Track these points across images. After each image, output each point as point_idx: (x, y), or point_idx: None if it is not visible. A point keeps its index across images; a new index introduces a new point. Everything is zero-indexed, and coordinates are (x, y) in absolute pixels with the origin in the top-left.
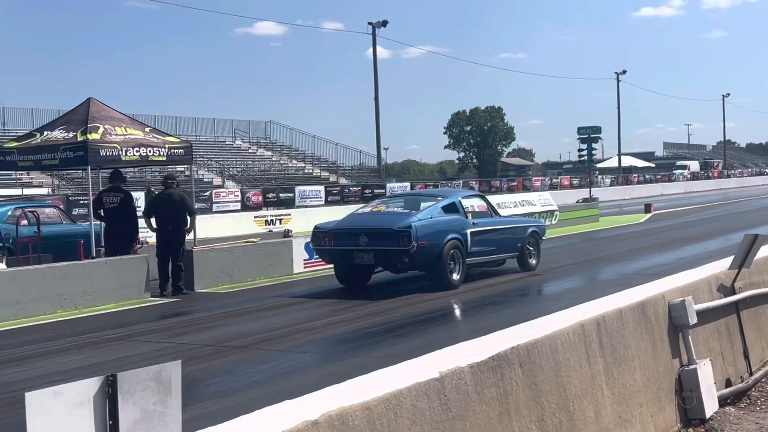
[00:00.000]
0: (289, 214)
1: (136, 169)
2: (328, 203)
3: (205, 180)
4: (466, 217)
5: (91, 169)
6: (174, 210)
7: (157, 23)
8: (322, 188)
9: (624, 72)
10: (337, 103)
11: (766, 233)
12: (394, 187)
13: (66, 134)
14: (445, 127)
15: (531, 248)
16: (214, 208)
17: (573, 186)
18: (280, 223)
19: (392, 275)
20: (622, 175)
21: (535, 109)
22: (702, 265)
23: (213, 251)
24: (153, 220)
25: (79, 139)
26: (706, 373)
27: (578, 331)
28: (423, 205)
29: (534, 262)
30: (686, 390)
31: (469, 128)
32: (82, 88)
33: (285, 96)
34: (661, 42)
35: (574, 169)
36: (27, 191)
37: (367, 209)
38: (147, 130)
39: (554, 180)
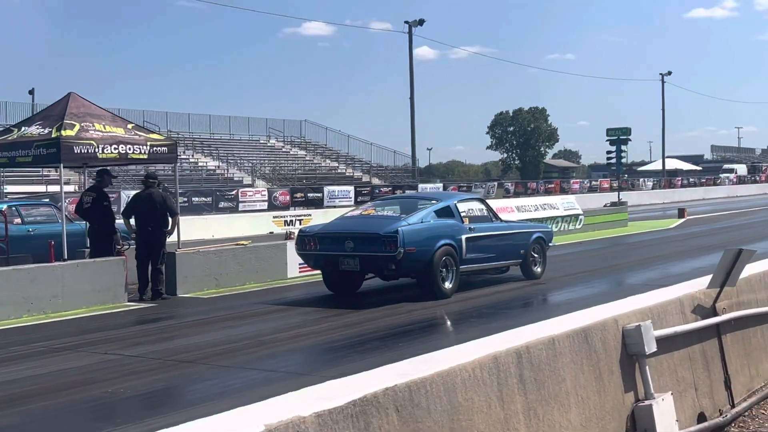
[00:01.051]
0: (310, 215)
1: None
2: (358, 203)
3: (235, 179)
4: (462, 222)
5: (77, 168)
6: (154, 211)
7: (208, 23)
8: (351, 188)
9: (669, 73)
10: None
11: None
12: (426, 187)
13: (42, 130)
14: (488, 128)
15: (535, 255)
16: (240, 207)
17: (613, 189)
18: (300, 224)
19: (387, 281)
20: (666, 179)
21: (583, 110)
22: (679, 283)
23: (198, 254)
24: (132, 221)
25: (53, 136)
26: (665, 409)
27: (489, 366)
28: (415, 209)
29: (539, 270)
30: (639, 429)
31: (512, 129)
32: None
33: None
34: (713, 43)
35: (626, 172)
36: (51, 189)
37: (357, 212)
38: (129, 126)
39: (593, 182)
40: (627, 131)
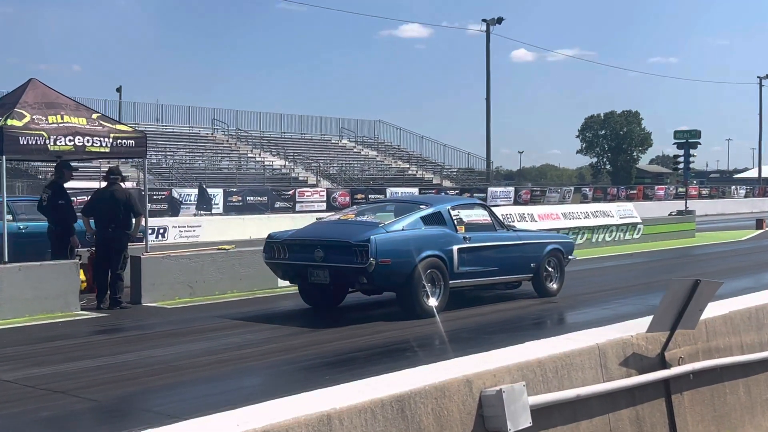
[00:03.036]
0: None
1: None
2: None
3: (300, 178)
4: (456, 231)
5: (35, 161)
6: (116, 210)
7: (307, 25)
8: (415, 190)
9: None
10: (469, 106)
11: None
12: (497, 191)
13: None
14: (578, 131)
15: (550, 269)
16: (297, 207)
17: (702, 196)
18: None
19: (369, 296)
20: (761, 187)
21: (684, 114)
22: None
23: (169, 259)
24: (92, 221)
25: None
26: None
27: None
28: (399, 215)
29: (554, 286)
30: None
31: (603, 132)
32: (218, 82)
33: (415, 99)
34: None
35: (721, 179)
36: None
37: (335, 217)
38: (94, 117)
39: (680, 189)
40: (696, 134)
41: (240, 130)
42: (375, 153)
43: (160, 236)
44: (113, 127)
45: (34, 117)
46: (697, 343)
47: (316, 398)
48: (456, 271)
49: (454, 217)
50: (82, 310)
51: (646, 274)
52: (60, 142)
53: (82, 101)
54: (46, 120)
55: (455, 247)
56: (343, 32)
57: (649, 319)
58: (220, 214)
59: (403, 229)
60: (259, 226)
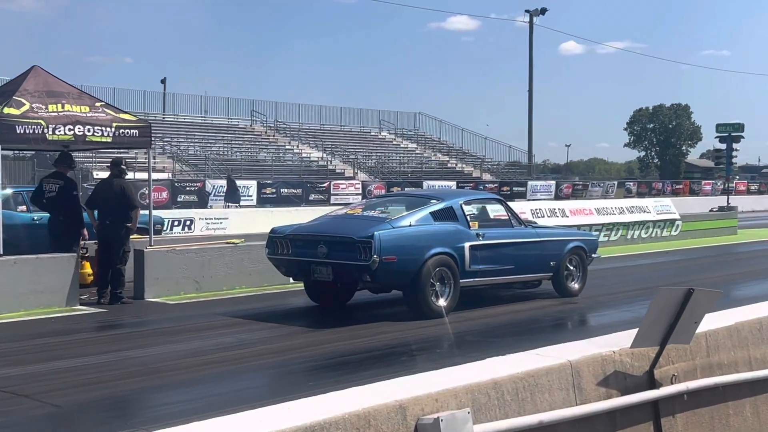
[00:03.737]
0: None
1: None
2: None
3: (337, 171)
4: (468, 227)
5: (31, 150)
6: (112, 202)
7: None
8: (453, 184)
9: None
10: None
11: None
12: (537, 185)
13: None
14: (626, 124)
15: (572, 268)
16: (332, 200)
17: (750, 191)
18: None
19: (376, 294)
20: None
21: (736, 108)
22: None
23: (174, 253)
24: (96, 213)
25: None
26: None
27: None
28: (407, 209)
29: (575, 285)
30: None
31: (651, 126)
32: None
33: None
34: None
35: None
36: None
37: (342, 211)
38: (97, 105)
39: (729, 184)
40: (739, 127)
41: (278, 121)
42: (415, 145)
43: (186, 228)
44: (116, 116)
45: (33, 105)
46: (694, 358)
47: (220, 426)
48: (468, 269)
49: (466, 213)
50: (81, 305)
51: (679, 273)
52: (59, 131)
53: (129, 93)
54: (46, 108)
55: (467, 244)
56: (391, 25)
57: (588, 340)
58: (252, 206)
59: (410, 225)
60: (288, 219)
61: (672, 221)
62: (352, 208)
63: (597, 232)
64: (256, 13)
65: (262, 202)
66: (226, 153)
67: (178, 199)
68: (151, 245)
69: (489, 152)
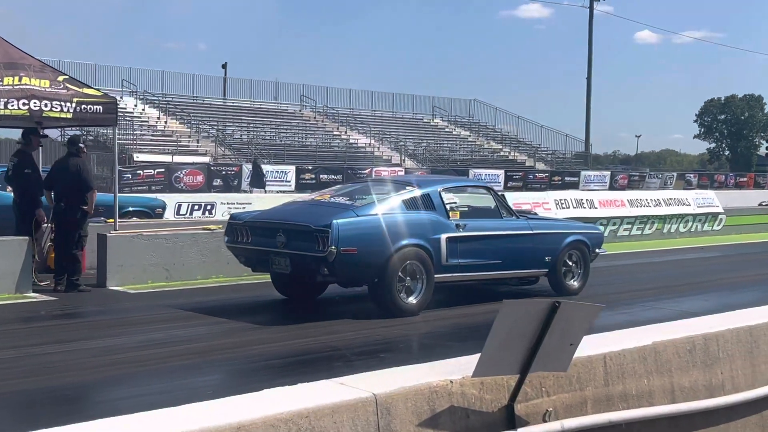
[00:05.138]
0: None
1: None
2: (508, 189)
3: (384, 157)
4: (448, 217)
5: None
6: (67, 183)
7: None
8: (501, 172)
9: None
10: (581, 88)
11: None
12: (591, 175)
13: None
14: (696, 115)
15: (571, 264)
16: None
17: None
18: None
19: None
20: None
21: None
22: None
23: (141, 238)
24: (53, 195)
25: None
26: None
27: None
28: (378, 196)
29: (575, 284)
30: None
31: (722, 117)
32: (318, 59)
33: (526, 80)
34: None
35: None
36: (181, 158)
37: (310, 197)
38: (60, 79)
39: None
40: None
41: (328, 107)
42: (468, 133)
43: (207, 212)
44: (79, 90)
45: None
46: (584, 389)
47: None
48: (444, 263)
49: (446, 201)
50: (35, 292)
51: (704, 272)
52: (12, 105)
53: (196, 78)
54: (1, 81)
55: (444, 236)
56: (462, 13)
57: (406, 367)
58: (290, 192)
59: (377, 214)
60: None
61: (714, 215)
62: (321, 193)
63: (629, 225)
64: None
65: (302, 187)
66: (272, 138)
67: (214, 183)
68: (115, 230)
69: (545, 141)
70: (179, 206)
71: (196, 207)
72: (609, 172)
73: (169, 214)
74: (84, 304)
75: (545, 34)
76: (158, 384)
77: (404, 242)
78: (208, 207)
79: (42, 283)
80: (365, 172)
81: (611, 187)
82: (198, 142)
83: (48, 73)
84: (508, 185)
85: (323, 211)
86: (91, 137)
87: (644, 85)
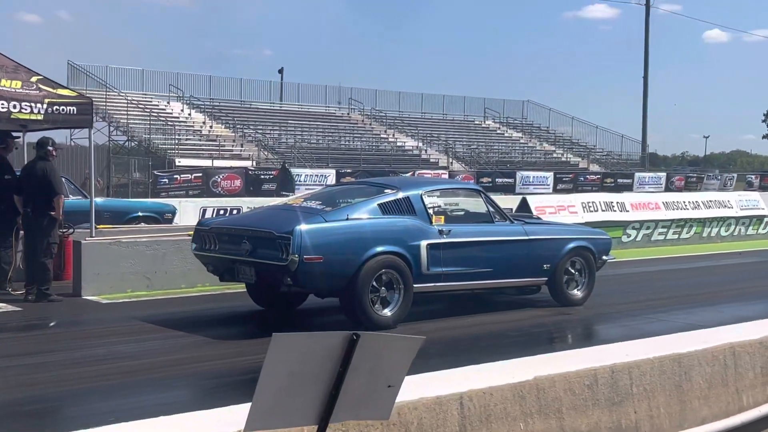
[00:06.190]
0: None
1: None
2: (557, 191)
3: (431, 160)
4: (430, 222)
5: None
6: (34, 188)
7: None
8: (550, 174)
9: None
10: (651, 89)
11: None
12: (645, 177)
13: None
14: (764, 115)
15: (573, 272)
16: None
17: None
18: None
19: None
20: None
21: None
22: None
23: (119, 245)
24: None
25: None
26: None
27: None
28: (352, 200)
29: (578, 293)
30: None
31: None
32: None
33: (587, 81)
34: None
35: None
36: (222, 163)
37: (284, 201)
38: (33, 80)
39: None
40: None
41: (375, 109)
42: (520, 134)
43: None
44: (52, 91)
45: None
46: None
47: None
48: (425, 272)
49: (428, 205)
50: (2, 302)
51: (733, 279)
52: None
53: (254, 84)
54: None
55: (424, 243)
56: (527, 15)
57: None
58: None
59: (348, 219)
60: None
61: (760, 218)
62: (296, 198)
63: (664, 229)
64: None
65: None
66: (319, 141)
67: (252, 188)
68: (92, 236)
69: (600, 142)
70: (204, 211)
71: (222, 212)
72: (665, 174)
73: (192, 219)
74: (49, 315)
75: (610, 35)
76: (82, 405)
77: (378, 249)
78: (234, 212)
79: (16, 293)
80: (407, 174)
81: (667, 189)
82: (242, 146)
83: (21, 74)
84: (558, 187)
85: (288, 217)
86: (135, 142)
87: (713, 85)
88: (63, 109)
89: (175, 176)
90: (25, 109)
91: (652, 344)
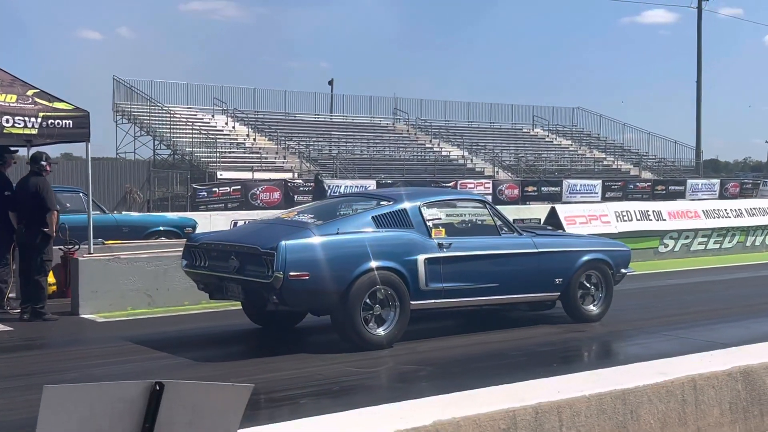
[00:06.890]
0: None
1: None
2: (606, 199)
3: (477, 169)
4: (429, 235)
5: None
6: (27, 204)
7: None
8: (598, 182)
9: None
10: (707, 94)
11: None
12: (698, 183)
13: None
14: None
15: (589, 287)
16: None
17: None
18: None
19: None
20: None
21: None
22: None
23: (117, 261)
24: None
25: None
26: None
27: None
28: (345, 213)
29: (594, 309)
30: None
31: None
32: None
33: (642, 88)
34: None
35: None
36: (262, 175)
37: (277, 215)
38: (29, 93)
39: None
40: None
41: (420, 119)
42: (569, 142)
43: None
44: (48, 104)
45: None
46: None
47: None
48: (424, 288)
49: (427, 218)
50: None
51: (766, 293)
52: None
53: (299, 95)
54: None
55: (422, 257)
56: (582, 21)
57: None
58: None
59: (338, 233)
60: None
61: None
62: (290, 211)
63: (705, 239)
64: (440, 16)
65: None
66: (363, 152)
67: (292, 201)
68: (90, 252)
69: (653, 149)
70: (235, 224)
71: None
72: (718, 180)
73: None
74: (41, 334)
75: (668, 40)
76: None
77: (370, 265)
78: None
79: (14, 312)
80: (450, 184)
81: (721, 196)
82: (285, 158)
83: (17, 88)
84: (606, 195)
85: (276, 232)
86: (177, 156)
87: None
88: (58, 123)
89: (214, 189)
90: (19, 124)
91: (591, 378)
